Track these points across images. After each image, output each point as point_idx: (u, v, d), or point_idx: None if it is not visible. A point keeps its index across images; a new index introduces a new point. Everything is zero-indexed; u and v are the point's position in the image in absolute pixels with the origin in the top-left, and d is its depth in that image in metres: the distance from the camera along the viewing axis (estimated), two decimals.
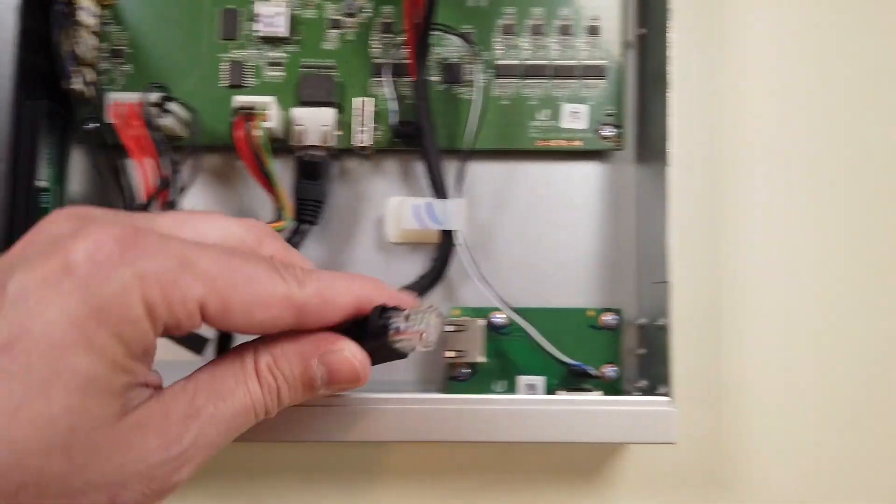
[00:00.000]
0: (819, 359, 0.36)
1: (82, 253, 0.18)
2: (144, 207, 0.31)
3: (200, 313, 0.20)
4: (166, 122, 0.33)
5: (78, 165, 0.36)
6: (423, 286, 0.34)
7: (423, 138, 0.33)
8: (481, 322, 0.33)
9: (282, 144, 0.35)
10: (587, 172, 0.36)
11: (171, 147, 0.32)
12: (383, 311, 0.23)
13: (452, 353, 0.33)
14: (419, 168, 0.36)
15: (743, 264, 0.36)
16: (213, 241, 0.21)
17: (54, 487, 0.18)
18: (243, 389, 0.21)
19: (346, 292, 0.23)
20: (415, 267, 0.36)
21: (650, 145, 0.35)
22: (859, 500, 0.35)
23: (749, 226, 0.36)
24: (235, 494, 0.35)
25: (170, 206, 0.31)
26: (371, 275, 0.34)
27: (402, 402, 0.29)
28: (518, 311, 0.33)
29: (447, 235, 0.34)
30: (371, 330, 0.23)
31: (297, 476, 0.35)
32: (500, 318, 0.34)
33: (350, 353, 0.23)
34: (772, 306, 0.36)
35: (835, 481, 0.35)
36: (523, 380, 0.34)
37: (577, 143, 0.35)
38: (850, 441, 0.35)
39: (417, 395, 0.30)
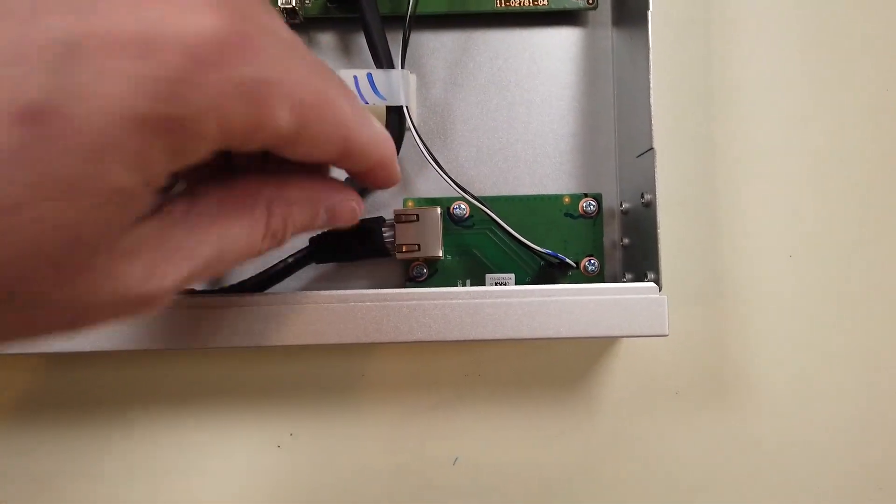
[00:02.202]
0: (828, 244, 0.31)
1: (176, 32, 0.13)
2: None
3: (271, 140, 0.16)
4: None
5: None
6: None
7: (361, 2, 0.28)
8: (437, 210, 0.28)
9: None
10: (559, 38, 0.31)
11: None
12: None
13: (406, 248, 0.28)
14: (361, 41, 0.30)
15: (737, 135, 0.31)
16: None
17: (26, 296, 0.14)
18: (248, 235, 0.18)
19: (380, 150, 0.20)
20: None
21: (628, 2, 0.29)
22: (859, 395, 0.31)
23: (742, 90, 0.32)
24: (182, 406, 0.31)
25: None
26: None
27: (352, 300, 0.25)
28: (482, 200, 0.29)
29: (395, 114, 0.29)
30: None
31: (233, 385, 0.31)
32: (461, 208, 0.30)
33: (356, 202, 0.21)
34: (774, 183, 0.31)
35: (836, 377, 0.31)
36: (491, 278, 0.29)
37: (543, 3, 0.30)
38: (854, 337, 0.31)
39: (368, 291, 0.25)
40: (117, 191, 0.14)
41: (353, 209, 0.21)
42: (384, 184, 0.22)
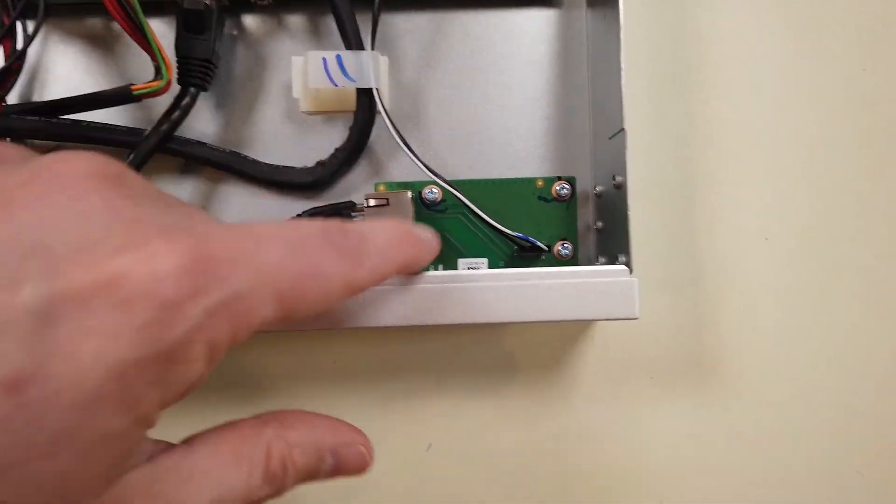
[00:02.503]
0: (803, 226, 0.31)
1: (140, 279, 0.14)
2: None
3: (261, 327, 0.16)
4: None
5: None
6: (340, 160, 0.29)
7: None
8: (408, 194, 0.28)
9: None
10: (531, 20, 0.31)
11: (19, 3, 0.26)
12: None
13: None
14: (331, 21, 0.30)
15: (712, 116, 0.31)
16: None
17: None
18: (245, 482, 0.18)
19: (394, 264, 0.20)
20: (332, 140, 0.30)
21: None
22: (834, 378, 0.31)
23: (717, 70, 0.31)
24: None
25: (15, 57, 0.25)
26: (283, 152, 0.30)
27: None
28: (455, 184, 0.28)
29: (366, 97, 0.28)
30: None
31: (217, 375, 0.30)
32: (433, 192, 0.29)
33: (364, 447, 0.21)
34: (749, 165, 0.31)
35: (810, 360, 0.31)
36: (464, 263, 0.29)
37: None
38: (828, 319, 0.31)
39: None
40: (108, 436, 0.14)
41: (362, 455, 0.20)
42: (414, 270, 0.22)
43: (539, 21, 0.31)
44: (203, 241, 0.15)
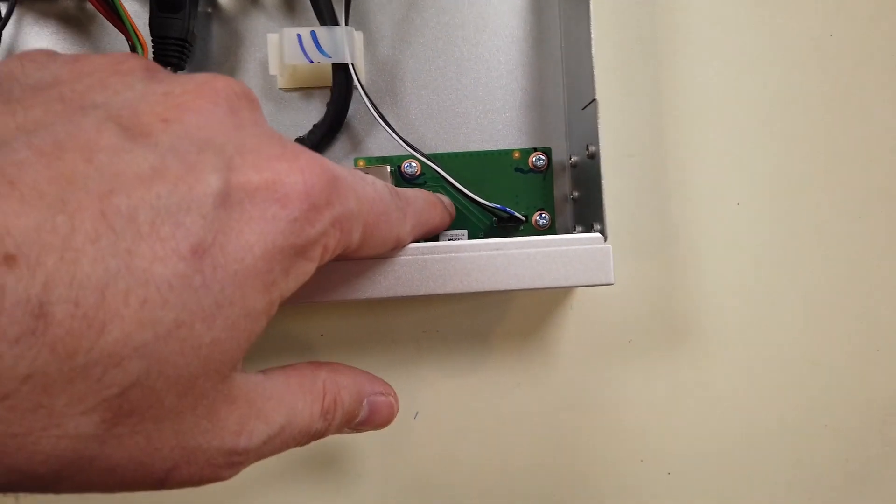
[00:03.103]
0: (774, 191, 0.32)
1: (299, 185, 0.17)
2: None
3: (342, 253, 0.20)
4: None
5: None
6: (319, 136, 0.30)
7: None
8: (386, 168, 0.28)
9: None
10: None
11: None
12: None
13: None
14: None
15: (681, 83, 0.32)
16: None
17: (148, 424, 0.16)
18: (308, 412, 0.21)
19: (425, 226, 0.25)
20: (310, 116, 0.31)
21: None
22: (805, 338, 0.32)
23: (686, 37, 0.32)
24: None
25: None
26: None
27: None
28: (432, 157, 0.29)
29: (342, 72, 0.29)
30: None
31: None
32: (411, 166, 0.30)
33: (394, 399, 0.24)
34: (720, 132, 0.32)
35: (783, 321, 0.32)
36: (444, 234, 0.30)
37: None
38: (800, 281, 0.32)
39: None
40: (249, 312, 0.16)
41: (391, 405, 0.24)
42: (444, 228, 0.28)
43: None
44: (332, 166, 0.19)
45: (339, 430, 0.22)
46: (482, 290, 0.25)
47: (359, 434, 0.31)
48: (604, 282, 0.26)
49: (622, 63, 0.31)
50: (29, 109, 0.16)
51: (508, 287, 0.25)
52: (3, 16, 0.25)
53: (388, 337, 0.31)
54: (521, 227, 0.30)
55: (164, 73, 0.18)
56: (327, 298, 0.25)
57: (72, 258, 0.14)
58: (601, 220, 0.26)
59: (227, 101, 0.18)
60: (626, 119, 0.31)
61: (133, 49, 0.27)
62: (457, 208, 0.30)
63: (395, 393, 0.24)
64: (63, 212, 0.14)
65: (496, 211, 0.28)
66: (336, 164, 0.19)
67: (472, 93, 0.31)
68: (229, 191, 0.16)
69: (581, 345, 0.32)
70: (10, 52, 0.30)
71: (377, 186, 0.21)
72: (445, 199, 0.28)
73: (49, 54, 0.18)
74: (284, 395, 0.20)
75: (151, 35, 0.28)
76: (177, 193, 0.15)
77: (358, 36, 0.29)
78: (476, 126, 0.31)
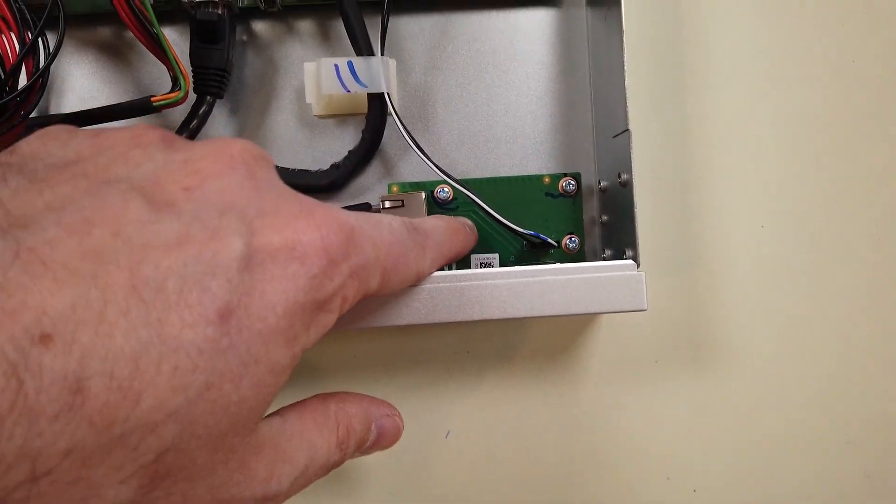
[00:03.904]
0: (798, 214, 0.33)
1: (317, 242, 0.18)
2: (7, 81, 0.26)
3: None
4: None
5: None
6: (354, 162, 0.30)
7: None
8: (421, 195, 0.29)
9: (176, 5, 0.29)
10: (535, 20, 0.32)
11: (35, 15, 0.26)
12: None
13: None
14: (339, 25, 0.31)
15: (708, 110, 0.32)
16: None
17: (183, 485, 0.16)
18: (326, 446, 0.21)
19: (447, 255, 0.26)
20: (344, 142, 0.31)
21: None
22: (831, 359, 0.33)
23: (713, 65, 0.32)
24: None
25: (37, 75, 0.26)
26: (297, 156, 0.31)
27: None
28: (464, 182, 0.29)
29: (377, 101, 0.29)
30: None
31: None
32: (444, 191, 0.30)
33: (399, 418, 0.25)
34: (745, 157, 0.32)
35: (809, 342, 0.33)
36: (476, 258, 0.30)
37: None
38: (825, 302, 0.33)
39: None
40: (274, 368, 0.17)
41: (397, 425, 0.24)
42: (466, 252, 0.28)
43: (540, 20, 0.32)
44: (347, 218, 0.19)
45: (351, 457, 0.23)
46: (518, 316, 0.26)
47: (391, 453, 0.31)
48: (637, 308, 0.26)
49: (648, 87, 0.32)
50: (55, 187, 0.16)
51: (543, 314, 0.26)
52: (50, 51, 0.26)
53: (419, 358, 0.32)
54: (552, 251, 0.31)
55: (182, 142, 0.19)
56: (364, 325, 0.26)
57: (105, 332, 0.14)
58: (634, 246, 0.27)
59: (245, 164, 0.18)
60: (653, 143, 0.32)
61: (175, 79, 0.28)
62: (488, 232, 0.30)
63: (399, 413, 0.25)
64: (95, 287, 0.14)
65: (529, 237, 0.29)
66: (351, 214, 0.20)
67: (502, 118, 0.32)
68: (252, 253, 0.17)
69: (608, 364, 0.32)
70: (51, 81, 0.31)
71: (394, 228, 0.22)
72: (468, 222, 0.28)
73: (70, 131, 0.18)
74: (303, 434, 0.21)
75: (192, 65, 0.29)
76: (202, 260, 0.16)
77: (392, 64, 0.30)
78: (506, 151, 0.32)
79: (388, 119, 0.30)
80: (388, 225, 0.21)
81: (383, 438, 0.24)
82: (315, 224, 0.18)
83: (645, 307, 0.26)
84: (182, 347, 0.15)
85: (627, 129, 0.27)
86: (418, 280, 0.24)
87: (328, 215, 0.18)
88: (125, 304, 0.14)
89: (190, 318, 0.15)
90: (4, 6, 0.26)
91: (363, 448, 0.23)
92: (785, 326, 0.32)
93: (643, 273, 0.26)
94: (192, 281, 0.15)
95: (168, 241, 0.16)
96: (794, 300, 0.32)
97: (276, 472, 0.19)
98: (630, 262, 0.26)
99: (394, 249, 0.21)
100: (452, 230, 0.26)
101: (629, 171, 0.27)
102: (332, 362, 0.32)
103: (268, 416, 0.20)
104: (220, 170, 0.18)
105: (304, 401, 0.22)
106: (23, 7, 0.27)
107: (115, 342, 0.14)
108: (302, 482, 0.20)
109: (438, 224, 0.26)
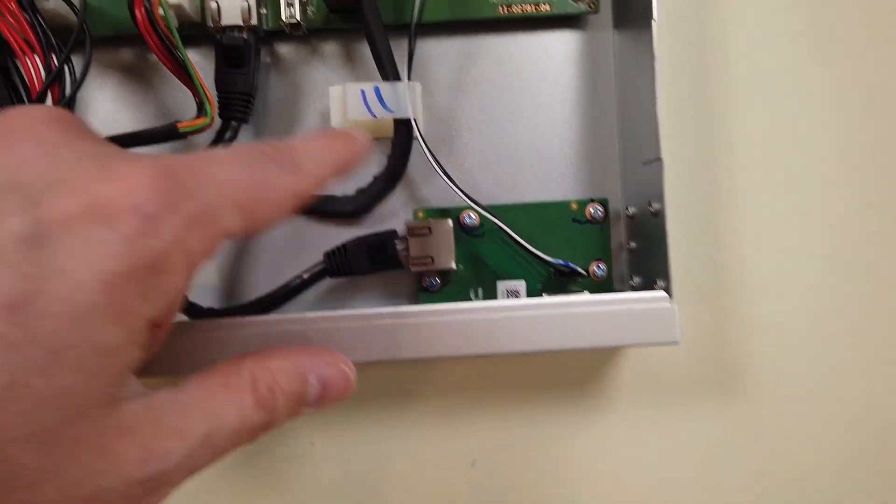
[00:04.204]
0: (829, 245, 0.32)
1: (123, 198, 0.15)
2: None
3: (226, 240, 0.18)
4: (49, 4, 0.27)
5: None
6: (379, 187, 0.30)
7: (363, 9, 0.28)
8: (448, 223, 0.29)
9: (201, 29, 0.29)
10: (559, 42, 0.31)
11: (59, 38, 0.26)
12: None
13: (419, 261, 0.29)
14: (365, 50, 0.30)
15: (740, 137, 0.32)
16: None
17: (21, 493, 0.15)
18: (237, 409, 0.19)
19: (329, 167, 0.21)
20: (369, 167, 0.31)
21: (630, 5, 0.30)
22: (864, 394, 0.32)
23: (744, 90, 0.32)
24: None
25: (64, 102, 0.26)
26: None
27: (367, 319, 0.25)
28: (490, 208, 0.29)
29: (403, 126, 0.29)
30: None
31: None
32: (471, 217, 0.30)
33: (345, 366, 0.22)
34: (774, 184, 0.32)
35: (842, 377, 0.32)
36: (503, 285, 0.30)
37: (545, 8, 0.30)
38: (859, 336, 0.32)
39: (384, 308, 0.26)
40: (102, 349, 0.15)
41: (345, 374, 0.21)
42: (350, 169, 0.22)
43: (566, 43, 0.31)
44: (166, 163, 0.17)
45: (292, 416, 0.21)
46: (549, 349, 0.26)
47: (413, 478, 0.31)
48: (670, 341, 0.26)
49: (675, 112, 0.32)
50: None
51: (575, 347, 0.26)
52: (76, 78, 0.26)
53: (445, 384, 0.31)
54: (580, 279, 0.30)
55: None
56: (396, 357, 0.26)
57: None
58: (666, 277, 0.26)
59: (28, 133, 0.16)
60: (680, 169, 0.31)
61: (200, 105, 0.27)
62: (515, 259, 0.30)
63: (346, 360, 0.22)
64: None
65: (558, 266, 0.29)
66: (175, 157, 0.17)
67: (528, 142, 0.31)
68: (38, 229, 0.15)
69: (636, 394, 0.32)
70: (76, 105, 0.30)
71: (240, 155, 0.19)
72: (351, 131, 0.23)
73: None
74: (202, 402, 0.18)
75: (217, 90, 0.28)
76: None
77: (418, 88, 0.29)
78: (531, 175, 0.31)
79: (413, 142, 0.29)
80: (232, 156, 0.19)
81: (329, 390, 0.21)
82: (119, 178, 0.16)
83: (678, 340, 0.26)
84: None
85: (659, 159, 0.26)
86: (300, 201, 0.20)
87: (136, 165, 0.16)
88: None
89: None
90: (29, 30, 0.26)
91: (308, 403, 0.21)
92: (816, 357, 0.32)
93: (676, 306, 0.26)
94: None
95: None
96: (825, 330, 0.32)
97: (158, 451, 0.17)
98: (662, 293, 0.26)
99: (246, 180, 0.18)
100: (328, 139, 0.22)
101: (661, 200, 0.26)
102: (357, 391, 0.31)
103: (156, 390, 0.18)
104: (3, 144, 0.16)
105: (212, 366, 0.20)
106: (48, 31, 0.26)
107: None
108: (206, 453, 0.18)
109: (314, 136, 0.22)
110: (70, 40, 0.25)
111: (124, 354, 0.16)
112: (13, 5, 0.26)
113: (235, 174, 0.18)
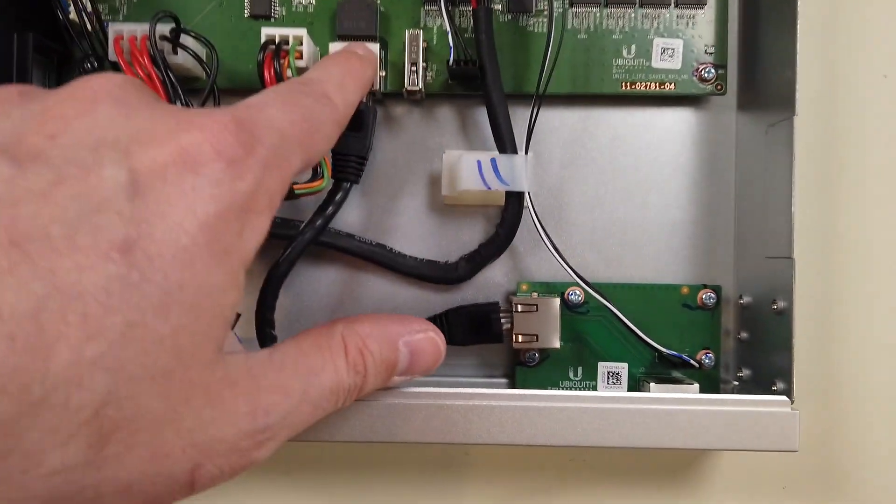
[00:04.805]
0: None
1: (206, 147, 0.16)
2: None
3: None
4: (178, 59, 0.27)
5: None
6: (485, 256, 0.29)
7: (486, 79, 0.27)
8: (556, 301, 0.28)
9: None
10: (680, 121, 0.30)
11: (184, 89, 0.27)
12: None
13: (523, 338, 0.28)
14: (479, 116, 0.30)
15: (867, 238, 0.30)
16: None
17: (143, 434, 0.15)
18: (331, 369, 0.20)
19: (354, 91, 0.23)
20: (474, 233, 0.30)
21: (757, 89, 0.29)
22: None
23: (875, 192, 0.30)
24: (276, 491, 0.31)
25: None
26: (424, 242, 0.30)
27: (463, 398, 0.25)
28: (597, 286, 0.28)
29: (514, 197, 0.28)
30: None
31: (344, 475, 0.31)
32: (576, 294, 0.29)
33: (435, 334, 0.22)
34: (891, 281, 0.30)
35: None
36: (604, 367, 0.29)
37: (670, 87, 0.29)
38: None
39: (480, 390, 0.25)
40: (209, 289, 0.16)
41: (435, 341, 0.22)
42: (369, 86, 0.25)
43: (686, 122, 0.30)
44: (234, 114, 0.18)
45: (384, 383, 0.21)
46: (653, 447, 0.25)
47: None
48: (787, 449, 0.25)
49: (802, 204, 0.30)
50: None
51: (679, 447, 0.24)
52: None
53: (532, 461, 0.30)
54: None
55: (39, 91, 0.18)
56: (490, 442, 0.25)
57: None
58: (788, 380, 0.25)
59: (109, 95, 0.17)
60: (804, 269, 0.30)
61: (315, 170, 0.27)
62: (619, 340, 0.29)
63: (435, 328, 0.23)
64: None
65: (671, 357, 0.27)
66: (235, 108, 0.18)
67: (638, 221, 0.30)
68: (136, 178, 0.15)
69: (733, 487, 0.30)
70: None
71: (284, 97, 0.20)
72: (359, 49, 0.26)
73: None
74: (298, 360, 0.19)
75: (332, 151, 0.28)
76: (82, 199, 0.15)
77: (531, 160, 0.29)
78: (639, 255, 0.30)
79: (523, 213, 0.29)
80: (276, 98, 0.20)
81: (420, 357, 0.22)
82: (197, 129, 0.17)
83: (796, 448, 0.24)
84: (86, 293, 0.14)
85: (791, 258, 0.25)
86: (340, 127, 0.22)
87: (209, 117, 0.17)
88: (7, 263, 0.13)
89: (86, 261, 0.14)
90: (160, 86, 0.26)
91: (398, 371, 0.22)
92: None
93: (797, 412, 0.24)
94: (78, 223, 0.14)
95: (41, 191, 0.14)
96: None
97: (263, 404, 0.18)
98: (784, 398, 0.25)
99: (298, 117, 0.20)
100: (346, 64, 0.24)
101: (790, 299, 0.25)
102: (440, 456, 0.30)
103: (254, 351, 0.19)
104: (83, 108, 0.17)
105: (305, 331, 0.21)
106: (177, 86, 0.27)
107: (6, 302, 0.13)
108: (306, 410, 0.19)
109: (328, 65, 0.24)
110: (202, 99, 0.25)
111: (228, 295, 0.17)
112: (146, 60, 0.26)
113: (288, 115, 0.19)
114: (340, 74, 0.23)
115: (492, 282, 0.30)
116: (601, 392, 0.25)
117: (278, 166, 0.18)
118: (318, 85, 0.22)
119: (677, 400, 0.25)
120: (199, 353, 0.16)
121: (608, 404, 0.24)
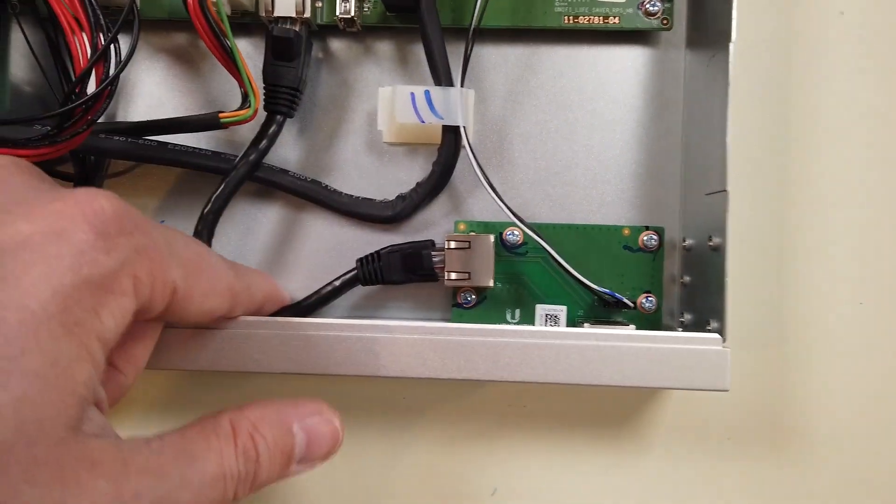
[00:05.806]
0: None
1: (79, 217, 0.16)
2: (77, 85, 0.25)
3: (170, 297, 0.19)
4: None
5: (20, 47, 0.30)
6: (421, 196, 0.28)
7: (420, 9, 0.27)
8: (490, 238, 0.27)
9: (254, 19, 0.28)
10: (627, 58, 0.29)
11: (111, 19, 0.26)
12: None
13: (456, 276, 0.27)
14: (420, 52, 0.29)
15: (810, 173, 0.30)
16: None
17: None
18: (216, 455, 0.18)
19: (263, 288, 0.25)
20: (412, 172, 0.30)
21: (706, 25, 0.28)
22: None
23: (824, 128, 0.30)
24: None
25: (107, 84, 0.25)
26: (362, 180, 0.29)
27: (398, 331, 0.24)
28: (536, 227, 0.27)
29: (451, 134, 0.28)
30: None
31: None
32: (514, 234, 0.28)
33: (330, 414, 0.21)
34: (847, 227, 0.29)
35: None
36: (542, 309, 0.28)
37: (614, 21, 0.28)
38: None
39: (418, 322, 0.24)
40: (56, 359, 0.15)
41: (332, 423, 0.21)
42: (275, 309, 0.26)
43: (633, 59, 0.29)
44: (125, 202, 0.18)
45: (282, 471, 0.20)
46: (585, 383, 0.24)
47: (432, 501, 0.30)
48: (717, 388, 0.24)
49: (747, 143, 0.29)
50: None
51: (612, 383, 0.24)
52: (122, 59, 0.25)
53: (470, 406, 0.30)
54: (625, 310, 0.28)
55: None
56: (422, 376, 0.24)
57: None
58: (721, 318, 0.24)
59: None
60: (746, 207, 0.29)
61: (245, 96, 0.27)
62: (557, 282, 0.28)
63: (329, 408, 0.21)
64: None
65: (603, 295, 0.27)
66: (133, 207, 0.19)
67: (583, 161, 0.29)
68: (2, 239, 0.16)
69: (676, 437, 0.30)
70: (122, 86, 0.30)
71: (190, 240, 0.21)
72: (286, 294, 0.28)
73: None
74: (179, 446, 0.18)
75: (264, 82, 0.27)
76: None
77: (471, 95, 0.28)
78: (583, 196, 0.29)
79: (461, 152, 0.28)
80: (182, 234, 0.21)
81: (316, 443, 0.20)
82: (75, 202, 0.17)
83: (727, 387, 0.24)
84: None
85: (725, 190, 0.24)
86: (232, 296, 0.22)
87: (92, 193, 0.17)
88: None
89: None
90: (80, 7, 0.25)
91: (296, 457, 0.20)
92: (876, 413, 0.29)
93: (728, 349, 0.24)
94: None
95: None
96: (889, 387, 0.29)
97: (132, 487, 0.16)
98: (715, 335, 0.24)
99: (193, 251, 0.20)
100: (273, 284, 0.27)
101: (723, 235, 0.24)
102: (375, 402, 0.30)
103: (134, 438, 0.18)
104: None
105: (193, 420, 0.19)
106: (98, 10, 0.26)
107: None
108: (185, 498, 0.17)
109: (261, 273, 0.27)
110: (118, 21, 0.25)
111: (80, 369, 0.16)
112: None
113: (183, 242, 0.20)
114: (265, 281, 0.26)
115: (432, 222, 0.30)
116: (527, 327, 0.24)
117: (154, 260, 0.18)
118: (233, 264, 0.24)
119: (609, 336, 0.24)
120: (48, 429, 0.15)
121: (528, 339, 0.24)
